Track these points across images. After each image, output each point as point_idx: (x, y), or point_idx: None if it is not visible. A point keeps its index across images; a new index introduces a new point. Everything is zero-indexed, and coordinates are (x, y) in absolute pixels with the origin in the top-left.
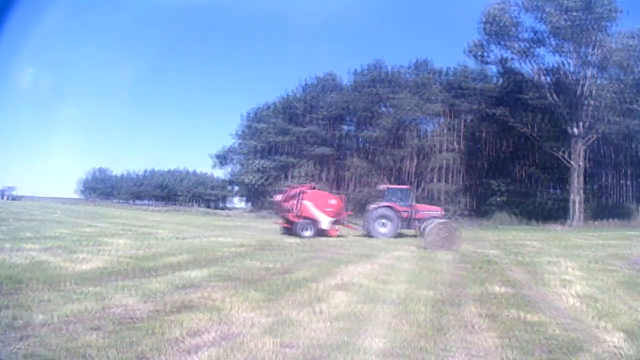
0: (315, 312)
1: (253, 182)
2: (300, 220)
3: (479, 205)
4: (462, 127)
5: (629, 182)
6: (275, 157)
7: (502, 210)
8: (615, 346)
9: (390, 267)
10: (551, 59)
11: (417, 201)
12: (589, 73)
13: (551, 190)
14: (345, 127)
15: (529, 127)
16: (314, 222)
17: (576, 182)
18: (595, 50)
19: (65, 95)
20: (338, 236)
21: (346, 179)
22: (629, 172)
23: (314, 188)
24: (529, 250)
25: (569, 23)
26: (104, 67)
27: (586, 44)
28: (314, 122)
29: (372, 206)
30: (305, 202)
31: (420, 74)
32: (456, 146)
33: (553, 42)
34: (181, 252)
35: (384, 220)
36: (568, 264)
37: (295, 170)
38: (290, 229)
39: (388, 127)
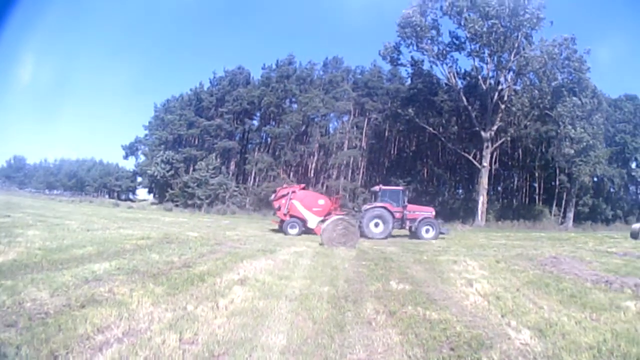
0: (215, 307)
1: (157, 174)
2: (289, 218)
3: None
4: (368, 125)
5: (535, 184)
6: (180, 149)
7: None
8: (522, 343)
9: (289, 263)
10: (466, 63)
11: (409, 201)
12: (504, 78)
13: (457, 190)
14: (251, 122)
15: (438, 127)
16: (302, 220)
17: (483, 183)
18: (514, 56)
19: None
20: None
21: (249, 172)
22: (537, 174)
23: (304, 188)
24: (430, 249)
25: (488, 29)
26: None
27: (505, 50)
28: (221, 115)
29: (367, 207)
30: (294, 201)
31: (330, 72)
32: (358, 144)
33: (470, 47)
34: (88, 244)
35: (378, 221)
36: (471, 263)
37: (200, 163)
38: (282, 227)
39: (294, 124)
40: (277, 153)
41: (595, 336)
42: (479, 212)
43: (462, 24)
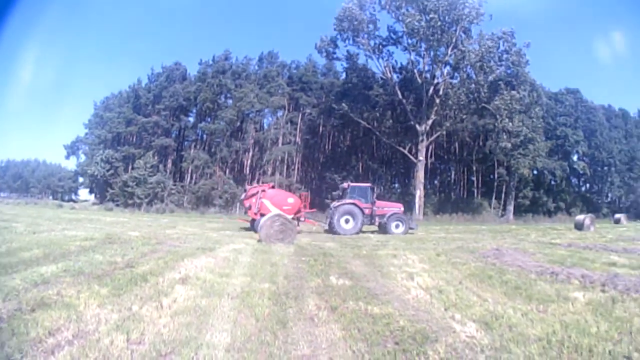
0: (159, 307)
1: (97, 174)
2: (260, 217)
3: (318, 198)
4: (302, 120)
5: (473, 178)
6: (119, 147)
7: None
8: (468, 336)
9: (229, 260)
10: (403, 58)
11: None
12: (441, 72)
13: (394, 185)
14: (187, 118)
15: (373, 122)
16: None
17: (419, 177)
18: (451, 50)
19: None
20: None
21: (186, 170)
22: (474, 168)
23: (273, 187)
24: (369, 243)
25: (426, 24)
26: None
27: (443, 44)
28: (158, 112)
29: (337, 203)
30: (264, 200)
31: (266, 66)
32: (293, 139)
33: (407, 42)
34: (35, 247)
35: (348, 217)
36: (411, 257)
37: (138, 162)
38: (253, 225)
39: (229, 119)
40: (212, 150)
41: (544, 328)
42: (417, 205)
43: (400, 18)
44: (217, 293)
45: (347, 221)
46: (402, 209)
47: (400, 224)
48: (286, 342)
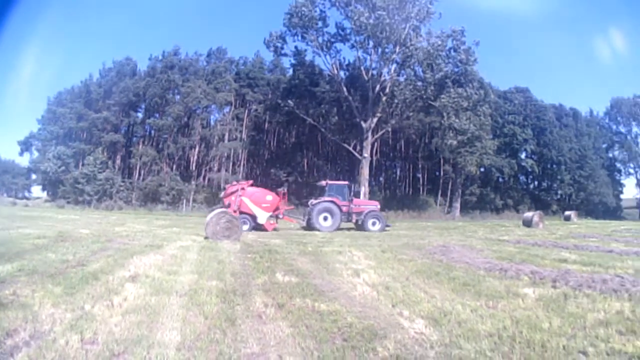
0: (110, 305)
1: (49, 170)
2: (239, 215)
3: None
4: (248, 117)
5: (419, 175)
6: (70, 143)
7: (287, 200)
8: (417, 332)
9: (176, 258)
10: (351, 55)
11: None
12: (388, 70)
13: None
14: (136, 114)
15: (319, 118)
16: (251, 217)
17: (364, 173)
18: (399, 48)
19: None
20: (274, 230)
21: (134, 167)
22: (420, 165)
23: (252, 185)
24: (314, 240)
25: (375, 21)
26: None
27: (391, 42)
28: (109, 108)
29: (315, 201)
30: (243, 198)
31: (214, 62)
32: (239, 135)
33: (355, 39)
34: None
35: (326, 215)
36: (356, 253)
37: (88, 158)
38: None
39: (176, 115)
40: (160, 146)
41: (494, 324)
42: None
43: (349, 15)
44: (165, 291)
45: (325, 218)
46: (379, 206)
47: (377, 221)
48: (235, 339)
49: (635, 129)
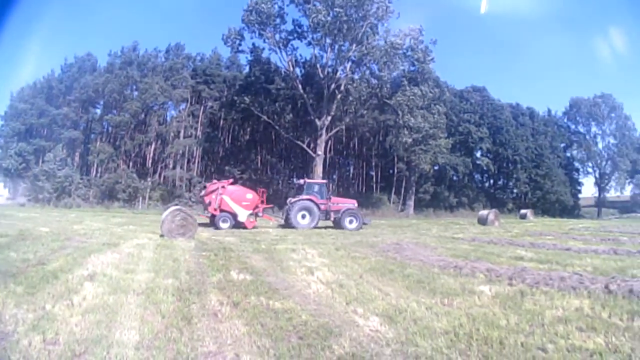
0: (70, 305)
1: (10, 167)
2: (220, 213)
3: None
4: (204, 114)
5: (372, 173)
6: (31, 140)
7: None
8: (372, 330)
9: (133, 256)
10: (307, 52)
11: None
12: (343, 68)
13: (292, 179)
14: (95, 110)
15: (273, 116)
16: (232, 214)
17: (318, 171)
18: (355, 46)
19: None
20: (254, 227)
21: (92, 164)
22: (374, 163)
23: (232, 183)
24: (268, 238)
25: (333, 19)
26: None
27: (348, 39)
28: (69, 104)
29: (293, 200)
30: (224, 196)
31: (172, 58)
32: (194, 132)
33: (312, 36)
34: None
35: (305, 213)
36: (310, 251)
37: (48, 155)
38: (212, 221)
39: (133, 112)
40: (117, 143)
41: (450, 321)
42: None
43: (307, 12)
44: (123, 290)
45: (303, 216)
46: (357, 205)
47: (354, 219)
48: (192, 338)
49: (594, 129)
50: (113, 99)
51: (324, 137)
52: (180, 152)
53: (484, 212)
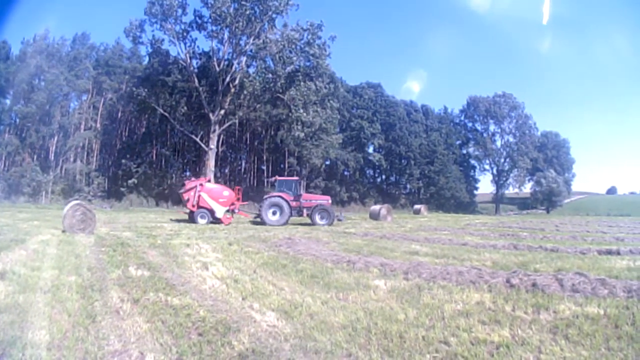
0: None
1: None
2: (198, 209)
3: (114, 186)
4: (103, 105)
5: (264, 167)
6: None
7: (135, 192)
8: (269, 325)
9: (39, 253)
10: (205, 44)
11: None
12: (239, 61)
13: (185, 173)
14: (5, 101)
15: (169, 109)
16: (209, 211)
17: (210, 165)
18: (253, 40)
19: None
20: (229, 224)
21: None
22: (265, 157)
23: (209, 181)
24: (162, 233)
25: (234, 11)
26: None
27: (246, 33)
28: None
29: (265, 196)
30: (202, 193)
31: (77, 48)
32: (94, 124)
33: (212, 28)
34: None
35: (275, 209)
36: (204, 246)
37: None
38: (191, 217)
39: (40, 103)
40: (24, 135)
41: (347, 315)
42: None
43: (210, 4)
44: (31, 288)
45: (274, 213)
46: (330, 201)
47: (324, 215)
48: (98, 337)
49: (492, 127)
50: (22, 89)
51: (217, 131)
52: (81, 144)
53: (376, 207)
